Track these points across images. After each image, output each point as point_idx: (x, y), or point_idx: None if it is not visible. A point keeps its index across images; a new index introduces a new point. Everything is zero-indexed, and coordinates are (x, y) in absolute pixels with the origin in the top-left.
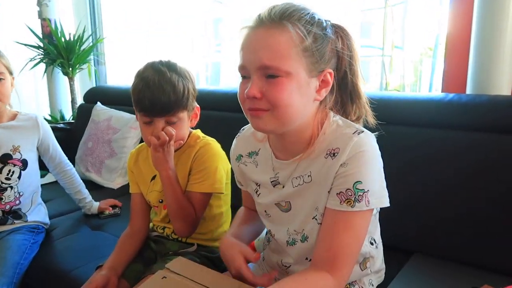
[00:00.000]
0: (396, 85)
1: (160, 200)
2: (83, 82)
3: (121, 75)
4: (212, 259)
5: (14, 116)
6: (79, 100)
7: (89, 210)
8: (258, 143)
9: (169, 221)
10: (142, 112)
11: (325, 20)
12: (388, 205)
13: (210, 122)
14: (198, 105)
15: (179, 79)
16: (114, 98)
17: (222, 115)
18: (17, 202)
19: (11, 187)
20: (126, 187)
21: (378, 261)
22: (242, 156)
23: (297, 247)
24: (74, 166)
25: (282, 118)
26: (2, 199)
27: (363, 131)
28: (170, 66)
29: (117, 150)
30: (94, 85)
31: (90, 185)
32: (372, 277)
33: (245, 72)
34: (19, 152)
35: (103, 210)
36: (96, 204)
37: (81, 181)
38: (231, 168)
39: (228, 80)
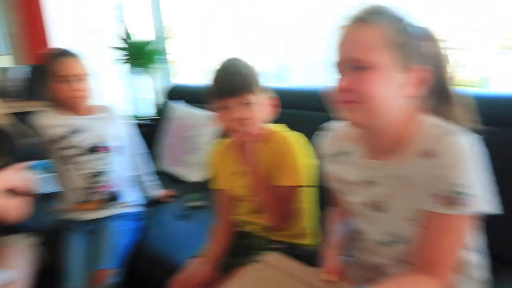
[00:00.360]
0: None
1: (247, 194)
2: (162, 80)
3: (195, 73)
4: (298, 256)
5: (95, 108)
6: (159, 98)
7: (155, 193)
8: (349, 142)
9: (255, 216)
10: (216, 96)
11: (415, 20)
12: (494, 211)
13: (290, 120)
14: (275, 96)
15: (246, 64)
16: (193, 97)
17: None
18: (113, 185)
19: (105, 172)
20: (203, 181)
21: (481, 271)
22: (333, 155)
23: (391, 249)
24: (156, 160)
25: (372, 110)
26: (98, 183)
27: (461, 132)
28: (238, 59)
29: (195, 146)
30: (173, 84)
31: (171, 178)
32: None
33: (337, 67)
34: (106, 139)
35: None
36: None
37: (150, 164)
38: (318, 166)
39: (299, 79)
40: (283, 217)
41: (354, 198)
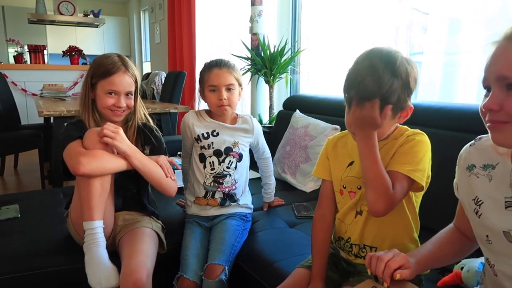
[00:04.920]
0: None
1: (358, 186)
2: (279, 90)
3: (314, 84)
4: None
5: (236, 118)
6: (275, 106)
7: (268, 198)
8: (497, 156)
9: (354, 219)
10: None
11: None
12: None
13: None
14: (411, 105)
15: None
16: (311, 107)
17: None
18: (233, 187)
19: (230, 175)
20: (317, 192)
21: None
22: (475, 167)
23: None
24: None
25: None
26: (223, 183)
27: None
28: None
29: (312, 156)
30: (289, 94)
31: (284, 185)
32: None
33: (486, 84)
34: (238, 146)
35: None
36: (272, 197)
37: (273, 169)
38: (456, 176)
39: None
40: (383, 197)
41: (489, 221)
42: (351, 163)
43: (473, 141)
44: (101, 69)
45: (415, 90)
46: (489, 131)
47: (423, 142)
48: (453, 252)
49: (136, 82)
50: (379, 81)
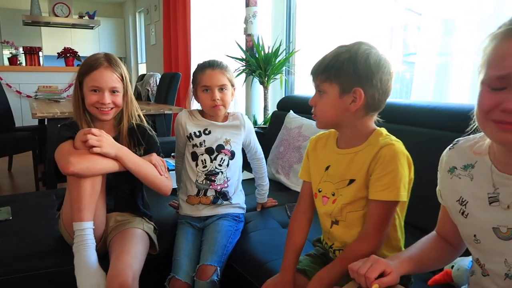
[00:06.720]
0: None
1: (333, 193)
2: (273, 91)
3: (308, 85)
4: None
5: (226, 116)
6: (270, 107)
7: (261, 199)
8: (475, 156)
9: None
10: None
11: None
12: None
13: (399, 136)
14: (360, 88)
15: (338, 50)
16: (305, 107)
17: (413, 130)
18: (226, 185)
19: (222, 172)
20: None
21: None
22: (456, 169)
23: None
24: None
25: None
26: (215, 181)
27: None
28: None
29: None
30: (284, 94)
31: (278, 186)
32: None
33: (501, 83)
34: (230, 144)
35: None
36: (266, 198)
37: (266, 170)
38: (438, 182)
39: (420, 94)
40: (379, 237)
41: (475, 220)
42: (327, 168)
43: (451, 145)
44: (85, 66)
45: (370, 83)
46: (495, 130)
47: (397, 155)
48: (436, 257)
49: (123, 80)
50: (336, 57)
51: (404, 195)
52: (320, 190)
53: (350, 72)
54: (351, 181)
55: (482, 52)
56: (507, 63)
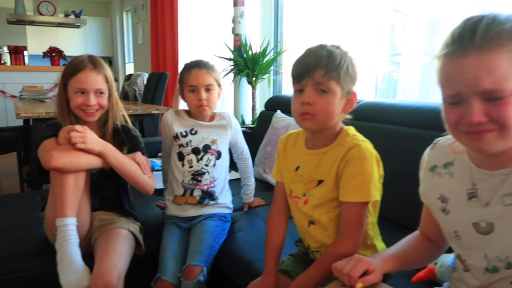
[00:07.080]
0: None
1: (304, 194)
2: (261, 90)
3: None
4: None
5: (213, 116)
6: (258, 107)
7: (247, 199)
8: (454, 154)
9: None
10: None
11: None
12: None
13: (385, 136)
14: (355, 92)
15: (336, 50)
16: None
17: (399, 130)
18: (212, 185)
19: (208, 172)
20: None
21: None
22: (437, 167)
23: (500, 275)
24: (253, 167)
25: (510, 135)
26: (201, 181)
27: None
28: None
29: None
30: (272, 94)
31: (266, 186)
32: None
33: (457, 99)
34: (216, 144)
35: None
36: (252, 198)
37: (253, 170)
38: (420, 182)
39: (406, 93)
40: (355, 239)
41: (456, 216)
42: (297, 168)
43: (432, 144)
44: (70, 68)
45: (355, 86)
46: (468, 140)
47: (365, 156)
48: (419, 256)
49: (108, 81)
50: (330, 52)
51: (375, 195)
52: (292, 190)
53: (352, 74)
54: (320, 181)
55: (435, 72)
56: (453, 83)
